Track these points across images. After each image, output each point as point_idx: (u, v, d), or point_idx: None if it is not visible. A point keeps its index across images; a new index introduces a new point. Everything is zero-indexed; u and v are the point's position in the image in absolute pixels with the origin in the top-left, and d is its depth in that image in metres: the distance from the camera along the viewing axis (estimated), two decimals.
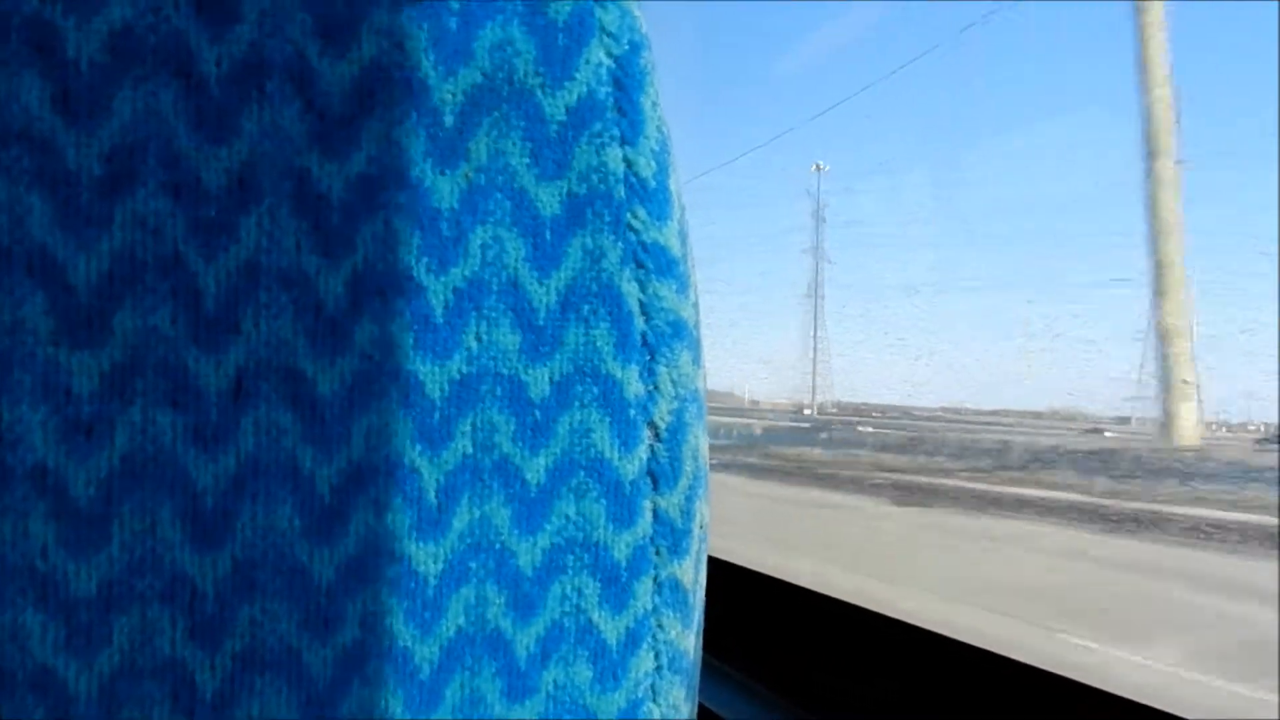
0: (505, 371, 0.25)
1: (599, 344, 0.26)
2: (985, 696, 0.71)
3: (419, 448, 0.24)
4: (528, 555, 0.26)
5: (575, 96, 0.25)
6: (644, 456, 0.26)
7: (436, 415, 0.25)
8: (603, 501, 0.26)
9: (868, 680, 0.82)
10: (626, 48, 0.26)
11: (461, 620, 0.25)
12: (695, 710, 0.29)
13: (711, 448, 0.28)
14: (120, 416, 0.23)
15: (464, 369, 0.25)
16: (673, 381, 0.27)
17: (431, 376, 0.25)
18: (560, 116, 0.25)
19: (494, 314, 0.25)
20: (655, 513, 0.27)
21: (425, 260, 0.24)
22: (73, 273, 0.22)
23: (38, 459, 0.22)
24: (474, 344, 0.25)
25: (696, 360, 0.27)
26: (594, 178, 0.25)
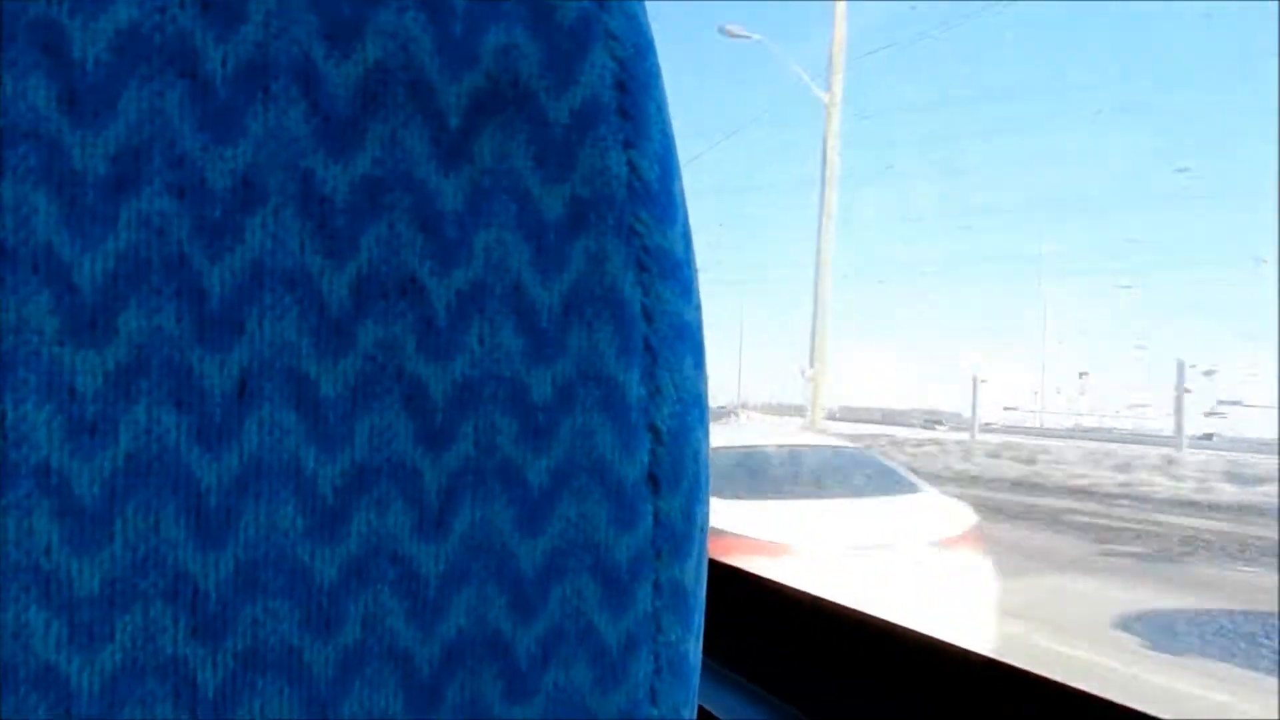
0: (508, 374, 0.25)
1: (601, 347, 0.26)
2: (984, 703, 0.71)
3: (421, 449, 0.25)
4: (529, 557, 0.26)
5: (579, 100, 0.25)
6: (645, 460, 0.26)
7: (439, 417, 0.25)
8: (604, 504, 0.26)
9: (866, 685, 0.82)
10: (631, 51, 0.26)
11: (462, 621, 0.25)
12: (695, 712, 0.29)
13: None
14: (124, 416, 0.23)
15: (466, 371, 0.25)
16: (675, 385, 0.27)
17: (434, 378, 0.25)
18: (564, 120, 0.25)
19: (497, 317, 0.25)
20: (657, 516, 0.27)
21: (429, 263, 0.24)
22: (78, 272, 0.22)
23: (41, 457, 0.22)
24: (477, 347, 0.25)
25: (699, 364, 0.27)
26: (597, 181, 0.25)
